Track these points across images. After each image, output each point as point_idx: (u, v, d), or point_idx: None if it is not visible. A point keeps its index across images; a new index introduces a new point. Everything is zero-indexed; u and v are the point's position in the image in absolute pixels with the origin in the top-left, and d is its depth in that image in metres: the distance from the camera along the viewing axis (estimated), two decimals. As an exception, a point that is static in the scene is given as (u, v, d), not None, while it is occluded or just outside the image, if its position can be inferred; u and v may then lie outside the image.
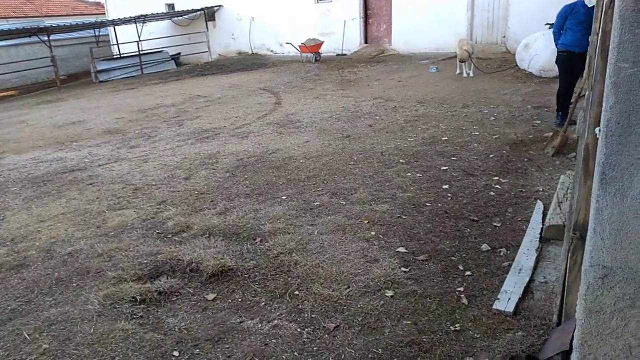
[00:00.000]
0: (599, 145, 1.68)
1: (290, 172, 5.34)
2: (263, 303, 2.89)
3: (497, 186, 4.42)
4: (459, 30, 15.11)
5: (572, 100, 7.49)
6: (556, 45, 6.66)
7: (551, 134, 5.67)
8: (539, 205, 3.91)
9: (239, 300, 2.95)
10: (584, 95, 5.57)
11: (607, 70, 1.61)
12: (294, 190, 4.75)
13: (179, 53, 19.92)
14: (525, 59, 10.56)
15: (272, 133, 7.30)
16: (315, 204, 4.33)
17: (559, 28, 6.43)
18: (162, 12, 19.80)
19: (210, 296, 3.01)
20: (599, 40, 1.81)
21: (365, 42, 17.52)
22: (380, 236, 3.55)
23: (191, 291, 3.09)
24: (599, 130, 1.70)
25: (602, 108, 1.68)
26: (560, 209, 3.56)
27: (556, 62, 6.85)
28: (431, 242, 3.42)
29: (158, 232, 4.01)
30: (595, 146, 1.88)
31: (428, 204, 4.11)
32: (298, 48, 16.32)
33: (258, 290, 3.02)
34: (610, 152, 1.61)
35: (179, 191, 5.00)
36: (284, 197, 4.55)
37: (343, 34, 17.43)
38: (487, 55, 13.49)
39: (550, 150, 5.40)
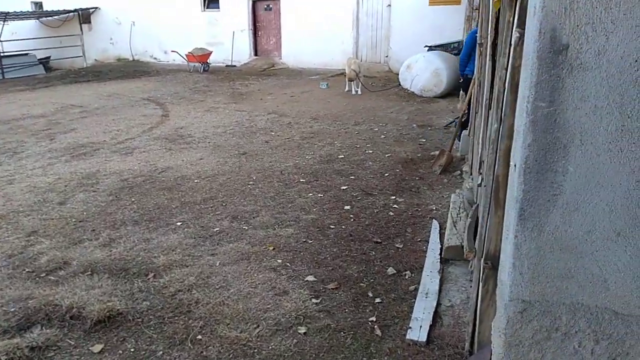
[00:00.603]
0: (515, 181, 1.71)
1: (184, 193, 4.97)
2: (161, 352, 2.56)
3: (395, 206, 4.53)
4: (346, 48, 15.68)
5: (456, 121, 8.09)
6: (462, 71, 6.75)
7: (438, 152, 6.02)
8: (435, 225, 4.06)
9: (132, 350, 2.58)
10: (465, 117, 6.01)
11: (524, 108, 1.63)
12: (190, 214, 4.40)
13: (49, 57, 17.96)
14: (407, 79, 11.23)
15: (160, 149, 6.79)
16: (214, 229, 4.05)
17: (467, 55, 6.53)
18: (28, 11, 17.73)
19: (97, 348, 2.60)
20: (508, 75, 1.86)
21: (256, 54, 17.39)
22: (288, 264, 3.40)
23: (72, 343, 2.64)
24: (513, 165, 1.74)
25: (517, 144, 1.71)
26: (456, 229, 3.72)
27: (462, 87, 7.24)
28: (339, 267, 3.36)
29: (28, 271, 3.41)
30: (505, 178, 1.93)
31: (332, 226, 4.06)
32: (185, 57, 15.64)
33: (154, 337, 2.67)
34: (528, 188, 1.64)
35: (52, 219, 4.36)
36: (178, 223, 4.19)
37: (232, 44, 17.12)
38: (372, 74, 14.16)
39: (438, 168, 5.71)
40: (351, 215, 4.29)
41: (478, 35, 5.06)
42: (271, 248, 3.65)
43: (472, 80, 5.53)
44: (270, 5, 16.73)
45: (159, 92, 11.96)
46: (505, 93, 1.90)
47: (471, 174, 5.13)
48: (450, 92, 10.71)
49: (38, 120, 9.04)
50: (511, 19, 1.86)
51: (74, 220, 4.34)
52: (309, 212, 4.39)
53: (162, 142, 7.21)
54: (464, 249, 3.24)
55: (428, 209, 4.48)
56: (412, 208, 4.47)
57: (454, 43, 12.36)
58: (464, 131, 6.08)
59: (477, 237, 2.35)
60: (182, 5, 17.34)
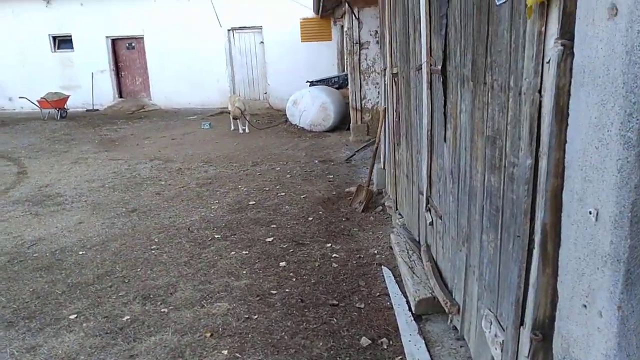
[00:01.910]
0: (606, 233, 1.34)
1: (69, 272, 3.91)
2: None
3: (335, 255, 4.04)
4: (222, 86, 15.13)
5: (356, 154, 7.95)
6: None
7: (354, 189, 5.72)
8: (387, 273, 3.65)
9: None
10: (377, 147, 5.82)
11: (618, 138, 1.27)
12: (85, 300, 3.40)
13: None
14: (295, 115, 11.01)
15: (24, 215, 5.48)
16: (124, 319, 3.13)
17: None
18: None
19: None
20: (546, 98, 1.52)
21: (120, 96, 15.93)
22: (238, 355, 2.67)
23: None
24: (594, 213, 1.37)
25: (598, 185, 1.35)
26: (417, 276, 3.35)
27: None
28: (303, 347, 2.72)
29: None
30: (554, 227, 1.57)
31: (274, 292, 3.41)
32: (36, 103, 13.63)
33: None
34: (636, 243, 1.27)
35: None
36: (72, 316, 3.18)
37: (92, 87, 15.46)
38: (253, 111, 13.72)
39: (359, 205, 5.39)
40: (291, 274, 3.68)
41: (387, 64, 4.90)
42: (208, 335, 2.88)
43: (383, 111, 5.37)
44: (133, 44, 15.55)
45: (9, 145, 10.09)
46: (546, 121, 1.54)
47: (397, 209, 4.88)
48: (338, 126, 10.72)
49: None
50: (543, 29, 1.52)
51: None
52: (239, 276, 3.69)
53: (25, 205, 5.85)
54: (440, 301, 2.86)
55: (370, 253, 4.06)
56: (353, 255, 4.02)
57: (334, 77, 12.53)
58: (377, 165, 5.87)
59: (515, 301, 1.93)
60: (28, 47, 15.27)
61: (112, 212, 5.50)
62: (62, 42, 15.55)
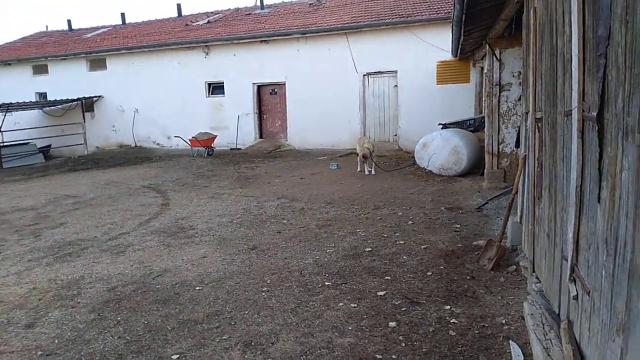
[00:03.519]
0: None
1: (183, 307, 4.00)
2: None
3: (454, 320, 3.54)
4: (353, 127, 15.32)
5: (489, 202, 7.26)
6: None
7: (484, 243, 5.11)
8: (516, 351, 3.06)
9: None
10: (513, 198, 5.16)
11: None
12: (189, 340, 3.41)
13: (49, 145, 17.66)
14: (424, 158, 10.58)
15: (157, 245, 5.90)
16: (221, 366, 3.04)
17: None
18: (31, 101, 17.67)
19: None
20: None
21: (261, 137, 17.04)
22: None
23: None
24: None
25: None
26: (553, 359, 2.72)
27: None
28: None
29: None
30: None
31: (379, 356, 3.05)
32: (188, 142, 15.21)
33: None
34: None
35: (12, 351, 3.37)
36: (174, 357, 3.18)
37: (237, 128, 16.83)
38: (381, 153, 13.60)
39: (487, 263, 4.78)
40: (400, 338, 3.28)
41: (530, 108, 4.35)
42: (301, 398, 2.63)
43: (523, 159, 4.76)
44: (276, 90, 16.64)
45: (160, 178, 11.29)
46: None
47: (533, 272, 4.19)
48: (471, 171, 10.01)
49: (26, 213, 8.24)
50: None
51: (39, 352, 3.34)
52: (344, 332, 3.40)
53: (160, 236, 6.33)
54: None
55: (496, 323, 3.48)
56: (476, 323, 3.48)
57: (469, 120, 11.88)
58: (512, 218, 5.21)
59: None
60: (187, 92, 17.30)
61: (234, 248, 5.64)
62: (216, 88, 17.30)
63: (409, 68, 14.37)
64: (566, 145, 2.94)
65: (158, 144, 18.20)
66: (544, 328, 3.11)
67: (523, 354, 3.01)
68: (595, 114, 2.31)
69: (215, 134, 15.75)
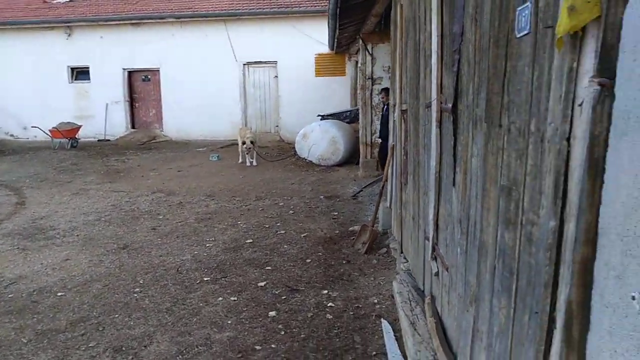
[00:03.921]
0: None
1: (42, 316, 3.58)
2: None
3: (331, 304, 3.66)
4: (234, 118, 15.06)
5: (363, 190, 7.62)
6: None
7: (358, 228, 5.37)
8: (387, 327, 3.26)
9: None
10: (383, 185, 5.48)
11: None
12: (51, 352, 3.06)
13: None
14: (304, 148, 10.79)
15: (10, 249, 5.22)
16: (87, 376, 2.78)
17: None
18: None
19: None
20: (576, 148, 1.19)
21: (133, 127, 15.95)
22: None
23: None
24: (638, 298, 1.02)
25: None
26: (419, 333, 2.95)
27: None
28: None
29: None
30: (581, 307, 1.21)
31: (258, 347, 3.03)
32: (48, 133, 13.67)
33: None
34: None
35: None
36: (30, 371, 2.84)
37: (105, 117, 15.54)
38: (263, 144, 13.59)
39: (362, 247, 5.03)
40: (280, 327, 3.30)
41: (396, 100, 4.63)
42: (177, 399, 2.51)
43: (391, 148, 5.07)
44: (149, 76, 15.67)
45: (15, 174, 10.00)
46: (575, 176, 1.21)
47: (401, 252, 4.51)
48: (347, 161, 10.45)
49: None
50: (574, 64, 1.20)
51: None
52: (223, 327, 3.32)
53: (14, 239, 5.61)
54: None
55: (369, 303, 3.67)
56: (351, 305, 3.63)
57: (345, 112, 12.35)
58: (383, 204, 5.53)
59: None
60: (46, 77, 15.51)
61: (103, 248, 5.21)
62: (80, 73, 15.76)
63: (288, 59, 14.49)
64: (427, 134, 3.18)
65: (12, 135, 16.10)
66: (410, 304, 3.35)
67: (393, 329, 3.22)
68: (450, 105, 2.52)
69: (79, 123, 14.36)
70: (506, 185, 1.71)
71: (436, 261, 3.05)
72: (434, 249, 3.08)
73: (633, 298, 1.03)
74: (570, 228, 1.23)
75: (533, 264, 1.46)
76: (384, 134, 8.40)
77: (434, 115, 2.90)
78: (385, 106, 8.47)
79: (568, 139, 1.25)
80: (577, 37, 1.19)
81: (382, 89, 9.00)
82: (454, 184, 2.53)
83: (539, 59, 1.43)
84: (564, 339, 1.27)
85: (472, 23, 2.16)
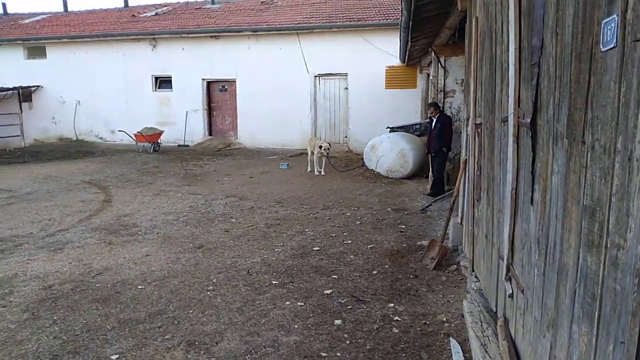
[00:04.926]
0: None
1: (124, 306, 3.87)
2: None
3: (397, 318, 3.64)
4: (304, 128, 15.37)
5: (432, 204, 7.50)
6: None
7: (427, 243, 5.29)
8: (455, 347, 3.19)
9: None
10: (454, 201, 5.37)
11: None
12: (130, 340, 3.31)
13: (-22, 136, 16.50)
14: (372, 160, 10.78)
15: (98, 243, 5.67)
16: (164, 366, 2.97)
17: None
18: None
19: None
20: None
21: (210, 134, 16.74)
22: None
23: None
24: None
25: None
26: (490, 355, 2.86)
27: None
28: None
29: None
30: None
31: (324, 354, 3.09)
32: (133, 137, 14.70)
33: None
34: None
35: None
36: (113, 357, 3.08)
37: (185, 124, 16.45)
38: (332, 154, 13.68)
39: (430, 262, 4.95)
40: (345, 336, 3.34)
41: (470, 114, 4.55)
42: (246, 396, 2.62)
43: (464, 163, 4.97)
44: (226, 87, 16.41)
45: (103, 174, 10.85)
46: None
47: (472, 271, 4.39)
48: (416, 174, 10.31)
49: (-49, 208, 7.67)
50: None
51: (-36, 355, 3.14)
52: (290, 331, 3.41)
53: (101, 233, 6.09)
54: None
55: (437, 320, 3.61)
56: (418, 320, 3.59)
57: (415, 124, 12.21)
58: (453, 219, 5.42)
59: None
60: (133, 85, 16.72)
61: (180, 246, 5.52)
62: (163, 82, 16.83)
63: (359, 71, 14.60)
64: (503, 149, 3.10)
65: (101, 138, 17.48)
66: (482, 325, 3.26)
67: (462, 350, 3.15)
68: (529, 120, 2.45)
69: (161, 129, 15.32)
70: (590, 205, 1.65)
71: (511, 282, 2.95)
72: (508, 270, 2.99)
73: None
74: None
75: (619, 290, 1.39)
76: (436, 148, 8.28)
77: (511, 129, 2.83)
78: (435, 119, 8.39)
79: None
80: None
81: (430, 104, 8.88)
82: (531, 202, 2.45)
83: (627, 74, 1.38)
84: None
85: (553, 36, 2.11)
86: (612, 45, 1.47)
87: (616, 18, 1.43)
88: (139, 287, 4.29)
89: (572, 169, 1.83)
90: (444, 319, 3.64)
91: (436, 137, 8.32)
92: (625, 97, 1.39)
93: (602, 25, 1.53)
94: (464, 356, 3.04)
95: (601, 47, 1.55)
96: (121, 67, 16.82)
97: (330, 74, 15.14)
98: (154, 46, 16.44)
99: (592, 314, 1.59)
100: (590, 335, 1.61)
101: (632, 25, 1.35)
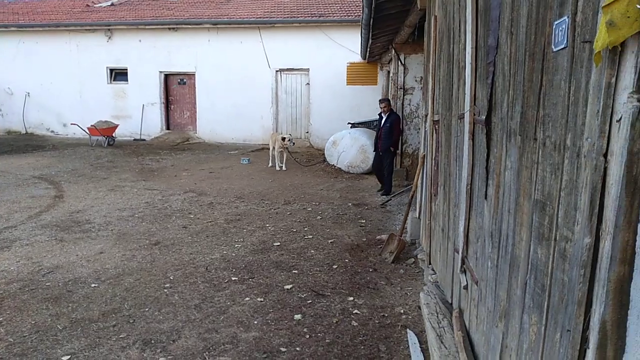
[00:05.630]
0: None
1: (76, 305, 3.73)
2: None
3: (356, 311, 3.68)
4: (265, 123, 15.25)
5: (392, 199, 7.61)
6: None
7: (386, 237, 5.37)
8: (413, 339, 3.25)
9: None
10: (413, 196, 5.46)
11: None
12: (84, 340, 3.19)
13: None
14: (333, 155, 10.84)
15: (49, 240, 5.43)
16: (117, 366, 2.88)
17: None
18: None
19: None
20: (614, 165, 1.19)
21: (168, 128, 16.34)
22: None
23: None
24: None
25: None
26: (445, 346, 2.94)
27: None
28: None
29: None
30: (616, 325, 1.20)
31: (283, 349, 3.08)
32: (87, 130, 14.16)
33: None
34: None
35: None
36: (64, 358, 2.96)
37: (142, 118, 15.97)
38: (294, 149, 13.67)
39: (388, 255, 5.03)
40: (305, 330, 3.35)
41: (428, 111, 4.63)
42: (203, 394, 2.58)
43: (422, 158, 5.06)
44: (184, 80, 16.04)
45: (54, 168, 10.39)
46: (612, 193, 1.21)
47: (429, 264, 4.49)
48: (377, 169, 10.43)
49: None
50: (612, 80, 1.21)
51: None
52: (249, 327, 3.38)
53: (52, 230, 5.83)
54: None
55: (395, 313, 3.67)
56: (376, 313, 3.64)
57: (375, 120, 12.34)
58: (412, 214, 5.52)
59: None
60: (86, 78, 16.09)
61: (136, 243, 5.37)
62: (118, 75, 16.27)
63: (320, 67, 14.60)
64: (459, 146, 3.18)
65: (52, 131, 16.73)
66: (437, 317, 3.34)
67: (419, 341, 3.21)
68: (484, 117, 2.52)
69: (116, 123, 14.82)
70: (540, 199, 1.71)
71: (465, 274, 3.03)
72: (463, 262, 3.07)
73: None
74: (605, 246, 1.23)
75: (566, 281, 1.45)
76: (384, 147, 8.08)
77: (467, 127, 2.90)
78: (385, 117, 8.17)
79: (605, 155, 1.25)
80: (616, 52, 1.20)
81: (382, 99, 8.70)
82: (486, 197, 2.52)
83: (576, 74, 1.44)
84: (597, 359, 1.26)
85: (508, 36, 2.17)
86: (563, 46, 1.52)
87: (567, 20, 1.49)
88: (92, 285, 4.14)
89: (525, 165, 1.90)
90: (402, 311, 3.70)
91: (384, 135, 8.12)
92: (574, 96, 1.45)
93: (554, 27, 1.59)
94: (421, 347, 3.11)
95: (553, 47, 1.61)
96: (74, 58, 16.14)
97: (292, 69, 15.07)
98: (110, 37, 15.86)
99: (541, 304, 1.66)
100: (540, 325, 1.67)
101: (581, 26, 1.40)
